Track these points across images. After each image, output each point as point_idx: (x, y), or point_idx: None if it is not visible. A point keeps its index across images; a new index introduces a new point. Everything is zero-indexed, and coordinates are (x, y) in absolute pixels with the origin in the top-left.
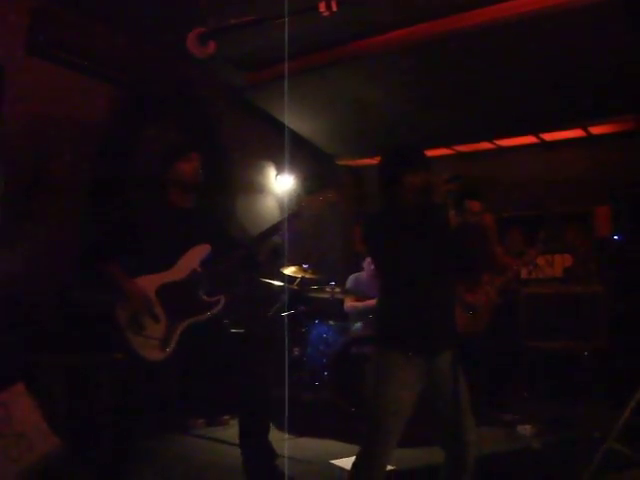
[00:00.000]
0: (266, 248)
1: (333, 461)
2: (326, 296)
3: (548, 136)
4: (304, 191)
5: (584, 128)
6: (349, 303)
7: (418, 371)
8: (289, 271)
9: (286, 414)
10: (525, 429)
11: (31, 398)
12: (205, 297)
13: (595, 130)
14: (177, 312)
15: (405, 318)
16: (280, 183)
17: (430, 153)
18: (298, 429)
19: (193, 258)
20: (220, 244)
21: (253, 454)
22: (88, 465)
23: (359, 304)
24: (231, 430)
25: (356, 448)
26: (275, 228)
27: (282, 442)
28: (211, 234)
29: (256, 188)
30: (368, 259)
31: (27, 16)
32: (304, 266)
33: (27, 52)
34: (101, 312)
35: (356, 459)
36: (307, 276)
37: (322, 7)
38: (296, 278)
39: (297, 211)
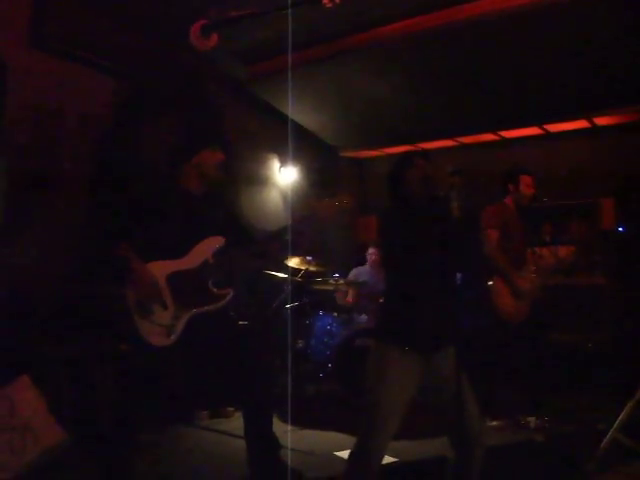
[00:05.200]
0: (277, 244)
1: (337, 453)
2: (330, 288)
3: (552, 127)
4: (309, 185)
5: (589, 119)
6: (345, 299)
7: (415, 366)
8: (293, 263)
9: (289, 406)
10: (529, 421)
11: (36, 390)
12: (214, 289)
13: (600, 121)
14: (185, 301)
15: (404, 313)
16: (284, 175)
17: (433, 145)
18: (302, 421)
19: (206, 248)
20: (232, 232)
21: (257, 445)
22: (93, 457)
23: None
24: (235, 422)
25: None
26: (286, 230)
27: (285, 434)
28: (224, 221)
29: (260, 180)
30: (371, 249)
31: (29, 9)
32: (308, 258)
33: (30, 46)
34: (105, 301)
35: (352, 450)
36: (311, 268)
37: None
38: (300, 270)
39: (310, 215)
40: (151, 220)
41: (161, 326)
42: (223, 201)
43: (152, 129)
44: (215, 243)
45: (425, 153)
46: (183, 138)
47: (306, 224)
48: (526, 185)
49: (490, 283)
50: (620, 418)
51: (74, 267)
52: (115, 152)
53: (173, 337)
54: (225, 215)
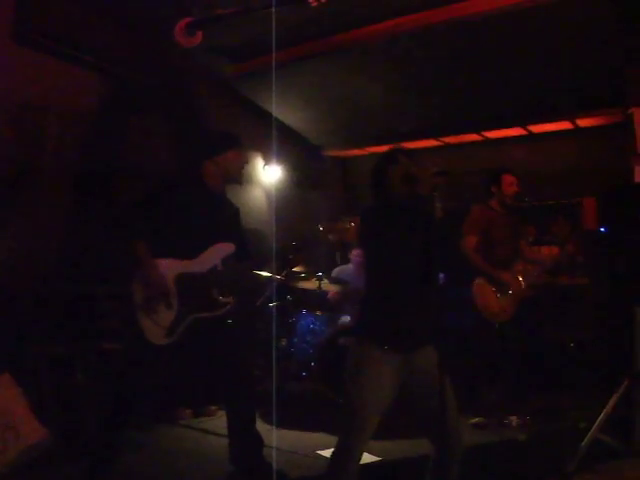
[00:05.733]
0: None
1: (320, 452)
2: (313, 287)
3: (535, 128)
4: (293, 184)
5: (571, 120)
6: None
7: (394, 365)
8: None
9: (274, 404)
10: (511, 420)
11: (18, 388)
12: (218, 297)
13: (582, 122)
14: (189, 304)
15: (383, 312)
16: (268, 174)
17: (417, 144)
18: (285, 420)
19: (216, 254)
20: (241, 234)
21: (241, 443)
22: (76, 455)
23: (341, 291)
24: (218, 420)
25: None
26: (295, 248)
27: (269, 433)
28: (235, 222)
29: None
30: (355, 251)
31: (13, 5)
32: (290, 257)
33: (14, 41)
34: (91, 300)
35: (334, 450)
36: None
37: None
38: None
39: (315, 236)
40: (170, 215)
41: (162, 326)
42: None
43: (139, 126)
44: (226, 250)
45: (409, 151)
46: (209, 136)
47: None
48: (509, 184)
49: (474, 283)
50: (601, 417)
51: (60, 263)
52: (107, 148)
53: (171, 339)
54: (237, 216)
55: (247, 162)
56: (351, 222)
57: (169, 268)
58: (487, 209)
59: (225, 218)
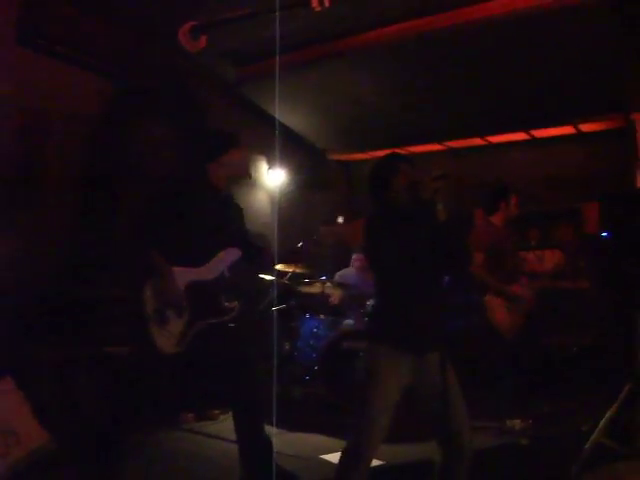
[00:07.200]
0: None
1: (323, 456)
2: (317, 290)
3: (539, 133)
4: (297, 187)
5: (574, 125)
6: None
7: (406, 369)
8: (279, 266)
9: (274, 408)
10: (514, 424)
11: (19, 393)
12: (226, 303)
13: (585, 127)
14: (199, 312)
15: (395, 316)
16: (272, 177)
17: (421, 149)
18: (288, 424)
19: (225, 260)
20: (245, 236)
21: (250, 447)
22: (77, 460)
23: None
24: (222, 425)
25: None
26: (295, 251)
27: (271, 437)
28: (241, 223)
29: (248, 181)
30: (355, 255)
31: (16, 7)
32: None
33: (17, 44)
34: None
35: (343, 453)
36: (298, 270)
37: (314, 2)
38: (286, 272)
39: (315, 239)
40: (181, 221)
41: (172, 335)
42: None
43: (143, 129)
44: (233, 255)
45: (408, 157)
46: (210, 137)
47: (313, 246)
48: (515, 205)
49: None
50: (603, 420)
51: (64, 268)
52: (110, 151)
53: (181, 347)
54: (242, 215)
55: (250, 158)
56: (348, 223)
57: (181, 277)
58: (489, 225)
59: (233, 220)
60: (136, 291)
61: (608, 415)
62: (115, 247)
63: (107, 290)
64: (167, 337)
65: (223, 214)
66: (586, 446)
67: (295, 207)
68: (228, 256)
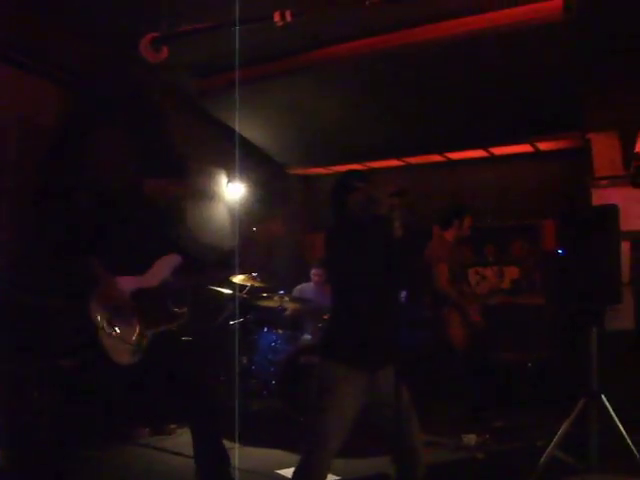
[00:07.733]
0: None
1: (280, 471)
2: (275, 305)
3: (497, 150)
4: (256, 201)
5: (532, 144)
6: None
7: (359, 384)
8: (238, 279)
9: (236, 423)
10: (470, 439)
11: None
12: (174, 308)
13: (543, 146)
14: (148, 319)
15: (350, 330)
16: (231, 190)
17: (380, 164)
18: (245, 438)
19: (165, 267)
20: (187, 246)
21: (207, 461)
22: (27, 473)
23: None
24: (177, 439)
25: None
26: (232, 252)
27: (231, 451)
28: (184, 235)
29: (207, 195)
30: (314, 270)
31: None
32: (253, 274)
33: None
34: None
35: (296, 468)
36: (256, 284)
37: (277, 17)
38: (245, 286)
39: (250, 237)
40: (119, 231)
41: (126, 344)
42: (183, 215)
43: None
44: (173, 261)
45: (364, 174)
46: (137, 164)
47: (250, 246)
48: (467, 226)
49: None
50: (558, 435)
51: (16, 279)
52: (66, 163)
53: (136, 357)
54: (184, 229)
55: (179, 193)
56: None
57: (125, 284)
58: (442, 239)
59: (169, 231)
60: (80, 301)
61: (563, 429)
62: (57, 256)
63: (56, 300)
64: (120, 347)
65: (160, 224)
66: (541, 460)
67: (254, 221)
68: (168, 262)
